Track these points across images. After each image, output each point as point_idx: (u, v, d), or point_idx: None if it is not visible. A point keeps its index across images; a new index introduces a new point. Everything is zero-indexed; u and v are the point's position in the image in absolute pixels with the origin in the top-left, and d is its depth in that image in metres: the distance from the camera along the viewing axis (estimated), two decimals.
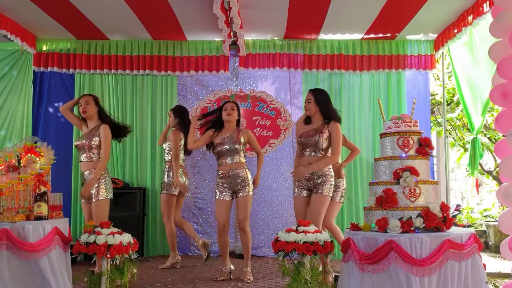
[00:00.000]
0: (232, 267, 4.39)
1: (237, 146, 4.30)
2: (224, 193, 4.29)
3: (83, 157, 4.13)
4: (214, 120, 4.46)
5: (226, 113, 4.35)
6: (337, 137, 3.92)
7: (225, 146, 4.29)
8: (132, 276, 3.35)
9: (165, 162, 5.12)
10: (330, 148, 3.98)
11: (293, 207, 5.67)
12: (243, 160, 4.35)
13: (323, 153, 3.95)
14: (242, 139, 4.34)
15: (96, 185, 3.99)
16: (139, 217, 5.54)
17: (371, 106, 5.87)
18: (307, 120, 4.08)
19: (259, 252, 5.62)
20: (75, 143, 4.21)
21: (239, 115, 4.46)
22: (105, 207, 4.05)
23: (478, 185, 5.74)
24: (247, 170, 4.37)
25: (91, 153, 4.09)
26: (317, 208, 3.89)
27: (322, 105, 4.00)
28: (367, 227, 2.89)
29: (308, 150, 3.97)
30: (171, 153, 4.93)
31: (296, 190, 4.05)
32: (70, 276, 3.37)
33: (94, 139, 4.08)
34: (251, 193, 4.33)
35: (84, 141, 4.09)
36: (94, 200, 4.00)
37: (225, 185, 4.29)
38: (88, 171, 4.08)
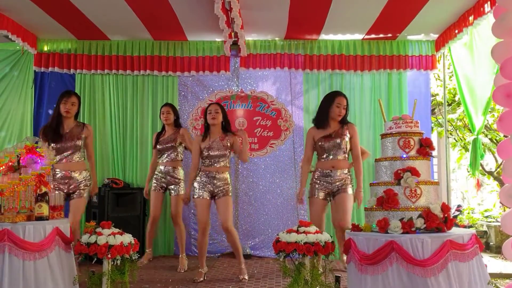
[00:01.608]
0: (206, 268, 4.43)
1: (226, 152, 4.30)
2: (204, 193, 4.27)
3: (74, 157, 4.25)
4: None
5: (210, 117, 4.32)
6: (358, 140, 4.17)
7: (214, 152, 4.28)
8: (133, 276, 3.34)
9: (174, 160, 5.02)
10: (349, 151, 4.08)
11: (294, 208, 5.74)
12: (228, 164, 4.37)
13: (345, 155, 4.01)
14: (228, 144, 4.32)
15: None
16: (140, 217, 5.54)
17: (372, 107, 5.86)
18: (322, 124, 4.07)
19: (260, 253, 5.62)
20: (59, 145, 4.22)
21: (224, 117, 4.39)
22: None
23: (479, 186, 5.73)
24: (228, 173, 4.37)
25: (78, 153, 4.27)
26: (346, 206, 3.97)
27: (348, 110, 4.14)
28: (368, 227, 2.89)
29: (330, 153, 4.00)
30: (182, 151, 5.06)
31: (313, 192, 4.05)
32: (73, 276, 3.36)
33: (83, 136, 4.29)
34: (230, 194, 4.33)
35: (77, 141, 4.25)
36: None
37: (207, 185, 4.26)
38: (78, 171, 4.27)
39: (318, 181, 4.03)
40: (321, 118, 4.10)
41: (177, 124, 5.09)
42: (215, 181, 4.26)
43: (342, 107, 4.04)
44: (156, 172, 5.05)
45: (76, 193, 4.22)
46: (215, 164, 4.28)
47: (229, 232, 4.29)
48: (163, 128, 5.12)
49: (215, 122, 4.32)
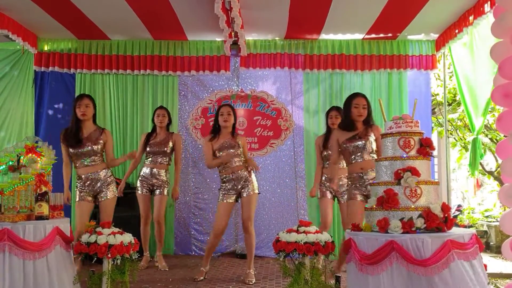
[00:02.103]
0: (208, 267, 4.43)
1: (239, 151, 4.30)
2: (228, 195, 4.26)
3: (88, 161, 4.18)
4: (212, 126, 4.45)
5: (222, 119, 4.31)
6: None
7: (227, 152, 4.27)
8: (133, 276, 3.34)
9: (162, 164, 5.00)
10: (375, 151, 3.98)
11: (294, 208, 5.74)
12: (243, 161, 4.34)
13: (372, 155, 3.94)
14: (240, 143, 4.34)
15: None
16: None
17: (372, 106, 5.82)
18: (348, 127, 4.00)
19: (260, 252, 5.61)
20: (77, 151, 4.17)
21: (235, 119, 4.40)
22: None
23: (479, 185, 5.74)
24: (249, 169, 4.35)
25: (97, 156, 4.20)
26: None
27: (370, 110, 4.03)
28: (368, 227, 2.88)
29: (356, 155, 3.93)
30: (172, 157, 5.05)
31: (350, 195, 3.97)
32: (73, 276, 3.36)
33: (100, 142, 4.20)
34: (256, 191, 4.30)
35: (94, 146, 4.18)
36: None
37: (229, 188, 4.27)
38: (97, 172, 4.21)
39: (354, 185, 3.95)
40: (346, 121, 4.05)
41: (168, 128, 5.10)
42: (235, 182, 4.26)
43: (361, 107, 3.96)
44: (141, 174, 5.02)
45: (102, 193, 4.17)
46: (230, 165, 4.26)
47: (248, 233, 4.27)
48: (154, 129, 5.09)
49: (227, 124, 4.31)
